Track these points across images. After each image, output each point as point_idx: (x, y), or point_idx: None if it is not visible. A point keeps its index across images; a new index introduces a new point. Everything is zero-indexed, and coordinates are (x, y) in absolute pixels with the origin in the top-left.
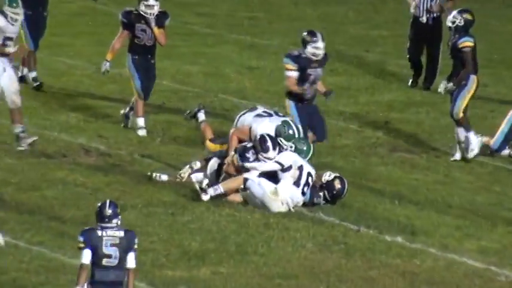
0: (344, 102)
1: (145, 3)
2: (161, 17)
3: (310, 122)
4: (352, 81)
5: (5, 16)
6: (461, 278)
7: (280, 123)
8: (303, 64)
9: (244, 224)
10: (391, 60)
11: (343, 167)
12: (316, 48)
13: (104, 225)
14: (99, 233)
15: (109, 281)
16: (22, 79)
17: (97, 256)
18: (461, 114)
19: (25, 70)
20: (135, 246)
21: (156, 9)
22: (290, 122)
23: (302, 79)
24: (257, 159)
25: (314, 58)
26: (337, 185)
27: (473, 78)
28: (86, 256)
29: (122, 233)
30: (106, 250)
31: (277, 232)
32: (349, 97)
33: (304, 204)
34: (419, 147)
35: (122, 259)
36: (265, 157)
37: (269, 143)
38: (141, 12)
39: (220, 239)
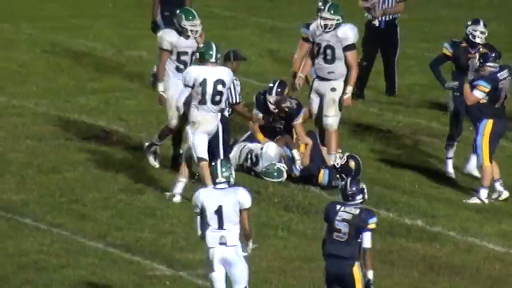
0: None
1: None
2: None
3: None
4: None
5: (180, 32)
6: (481, 261)
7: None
8: None
9: (264, 207)
10: (412, 43)
11: (363, 150)
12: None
13: (348, 203)
14: (338, 207)
15: (338, 255)
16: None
17: (330, 230)
18: (487, 163)
19: None
20: (370, 226)
21: None
22: None
23: None
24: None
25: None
26: (352, 165)
27: (488, 122)
28: (325, 230)
29: (357, 211)
30: (337, 225)
31: (297, 215)
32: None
33: (324, 188)
34: (439, 131)
35: (352, 236)
36: (268, 98)
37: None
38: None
39: None
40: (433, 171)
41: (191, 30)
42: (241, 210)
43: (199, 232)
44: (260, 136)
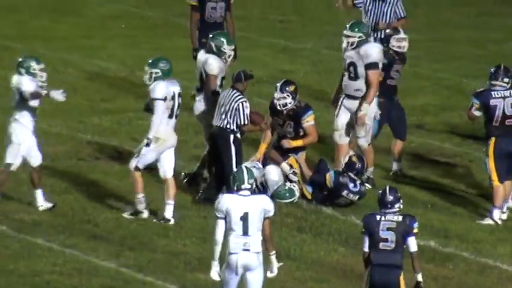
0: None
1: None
2: None
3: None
4: None
5: (221, 56)
6: (494, 282)
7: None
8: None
9: (277, 227)
10: (424, 63)
11: (376, 171)
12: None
13: (386, 211)
14: (378, 217)
15: (387, 264)
16: None
17: (374, 240)
18: (496, 183)
19: None
20: (415, 231)
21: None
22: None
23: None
24: None
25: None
26: (356, 162)
27: (490, 141)
28: (366, 243)
29: (400, 218)
30: (382, 234)
31: (310, 236)
32: None
33: (332, 191)
34: (452, 151)
35: (399, 243)
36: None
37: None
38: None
39: None
40: (446, 192)
41: (229, 55)
42: (264, 218)
43: (218, 237)
44: (262, 149)
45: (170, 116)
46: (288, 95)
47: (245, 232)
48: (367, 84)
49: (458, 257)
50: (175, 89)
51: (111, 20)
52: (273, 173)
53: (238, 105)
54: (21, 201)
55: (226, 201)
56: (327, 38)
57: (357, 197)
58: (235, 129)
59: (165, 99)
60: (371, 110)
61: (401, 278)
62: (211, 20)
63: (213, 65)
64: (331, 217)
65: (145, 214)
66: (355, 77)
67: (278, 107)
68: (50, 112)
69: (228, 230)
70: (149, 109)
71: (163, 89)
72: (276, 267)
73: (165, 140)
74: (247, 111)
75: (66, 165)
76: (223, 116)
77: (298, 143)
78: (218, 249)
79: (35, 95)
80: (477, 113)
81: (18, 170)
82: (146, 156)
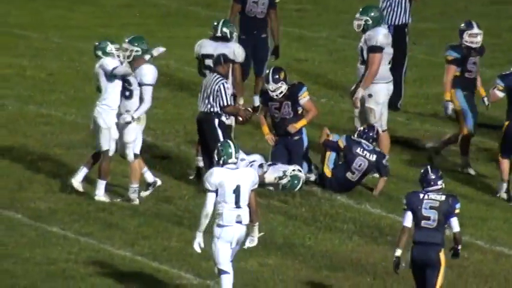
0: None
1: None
2: None
3: None
4: None
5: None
6: (509, 270)
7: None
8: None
9: (292, 216)
10: (439, 52)
11: (391, 158)
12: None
13: (429, 189)
14: (421, 195)
15: (427, 242)
16: None
17: (417, 218)
18: (500, 158)
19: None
20: (457, 211)
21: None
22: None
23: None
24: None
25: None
26: (368, 129)
27: (505, 123)
28: (407, 219)
29: (443, 197)
30: (425, 212)
31: (324, 224)
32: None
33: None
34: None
35: (441, 222)
36: (267, 88)
37: (269, 76)
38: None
39: (268, 230)
40: (460, 180)
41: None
42: (251, 190)
43: (209, 209)
44: (265, 129)
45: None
46: (281, 83)
47: (237, 204)
48: (366, 66)
49: (474, 246)
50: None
51: (125, 9)
52: (269, 177)
53: (219, 86)
54: (37, 190)
55: (218, 174)
56: (342, 26)
57: (374, 156)
58: (219, 112)
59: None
60: (379, 95)
61: (442, 254)
62: (251, 14)
63: (240, 53)
64: (346, 206)
65: (136, 202)
66: (363, 61)
67: (275, 97)
68: (65, 101)
69: (219, 203)
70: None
71: (155, 74)
72: (256, 237)
73: (143, 118)
74: (229, 92)
75: (81, 153)
76: (207, 101)
77: (302, 123)
78: (207, 222)
79: (121, 71)
80: (500, 94)
81: (37, 158)
82: (136, 141)
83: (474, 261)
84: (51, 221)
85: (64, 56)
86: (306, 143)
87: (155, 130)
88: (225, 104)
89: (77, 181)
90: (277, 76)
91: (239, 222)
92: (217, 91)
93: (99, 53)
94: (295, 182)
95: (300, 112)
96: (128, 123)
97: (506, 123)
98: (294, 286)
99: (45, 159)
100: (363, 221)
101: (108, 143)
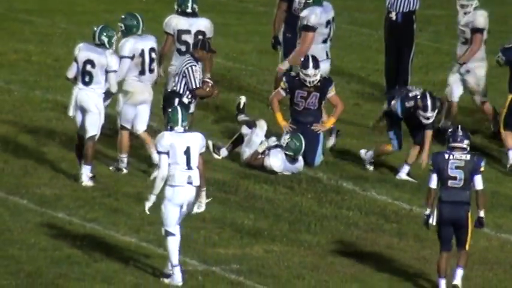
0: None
1: None
2: None
3: None
4: None
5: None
6: None
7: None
8: None
9: (297, 202)
10: (445, 39)
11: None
12: None
13: (456, 145)
14: (446, 156)
15: (455, 201)
16: None
17: (443, 178)
18: (501, 130)
19: None
20: (481, 169)
21: None
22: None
23: None
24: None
25: None
26: (428, 98)
27: (509, 95)
28: (433, 180)
29: (468, 157)
30: (451, 172)
31: (329, 211)
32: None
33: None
34: (473, 127)
35: (467, 181)
36: (304, 73)
37: (310, 62)
38: None
39: (273, 217)
40: None
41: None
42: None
43: (165, 171)
44: (280, 116)
45: (142, 73)
46: (319, 71)
47: (188, 165)
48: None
49: (479, 233)
50: (145, 45)
51: None
52: (274, 160)
53: (187, 69)
54: (43, 176)
55: (169, 137)
56: (348, 13)
57: (434, 113)
58: (181, 93)
59: (132, 57)
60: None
61: (470, 214)
62: (297, 12)
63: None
64: (352, 192)
65: (125, 171)
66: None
67: (309, 84)
68: (71, 86)
69: (171, 165)
70: None
71: (130, 46)
72: (204, 202)
73: (133, 93)
74: (197, 74)
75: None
76: (172, 80)
77: (332, 121)
78: (161, 184)
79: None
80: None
81: (43, 143)
82: (124, 112)
83: (480, 248)
84: (57, 207)
85: (70, 41)
86: (322, 133)
87: (161, 116)
88: (193, 87)
89: (88, 181)
90: (316, 62)
91: (190, 183)
92: (183, 73)
93: (105, 40)
94: (297, 144)
95: (322, 105)
96: (104, 101)
97: (510, 96)
98: (299, 273)
99: (50, 145)
100: (369, 207)
101: (97, 128)
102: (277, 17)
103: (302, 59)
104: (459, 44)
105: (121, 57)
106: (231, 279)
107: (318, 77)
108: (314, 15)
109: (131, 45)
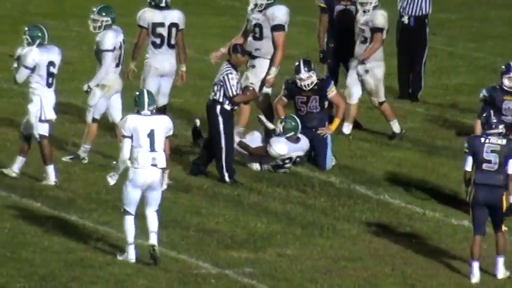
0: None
1: None
2: None
3: None
4: None
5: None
6: None
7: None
8: None
9: (310, 206)
10: (459, 43)
11: (410, 149)
12: None
13: (491, 131)
14: (482, 140)
15: (489, 184)
16: None
17: (478, 161)
18: None
19: None
20: None
21: None
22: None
23: None
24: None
25: None
26: None
27: None
28: (468, 163)
29: (504, 141)
30: (486, 156)
31: (342, 214)
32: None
33: None
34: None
35: (502, 165)
36: (298, 78)
37: (301, 66)
38: None
39: (286, 221)
40: None
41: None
42: (166, 137)
43: (126, 154)
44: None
45: (117, 65)
46: (312, 73)
47: (152, 148)
48: (274, 46)
49: (492, 237)
50: (121, 37)
51: None
52: (278, 146)
53: (223, 77)
54: (57, 179)
55: (132, 120)
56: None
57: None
58: (221, 101)
59: (113, 49)
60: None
61: (504, 197)
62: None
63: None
64: (364, 196)
65: (86, 160)
66: (259, 38)
67: (304, 88)
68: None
69: (135, 148)
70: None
71: (112, 40)
72: (165, 184)
73: (110, 86)
74: (233, 82)
75: (100, 142)
76: (212, 89)
77: (336, 123)
78: (123, 167)
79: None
80: None
81: (56, 146)
82: (98, 105)
83: (492, 253)
84: (70, 210)
85: (84, 44)
86: (329, 136)
87: (173, 119)
88: (231, 94)
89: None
90: (308, 65)
91: (154, 165)
92: (221, 81)
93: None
94: (293, 124)
95: (325, 106)
96: (86, 92)
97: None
98: (312, 276)
99: (63, 148)
100: (382, 211)
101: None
102: (319, 30)
103: (295, 64)
104: (358, 42)
105: (104, 51)
106: (244, 283)
107: (313, 80)
108: (285, 14)
109: (113, 38)
